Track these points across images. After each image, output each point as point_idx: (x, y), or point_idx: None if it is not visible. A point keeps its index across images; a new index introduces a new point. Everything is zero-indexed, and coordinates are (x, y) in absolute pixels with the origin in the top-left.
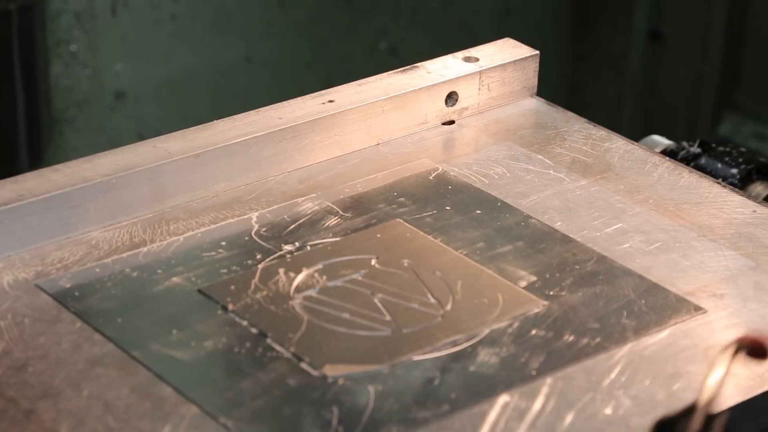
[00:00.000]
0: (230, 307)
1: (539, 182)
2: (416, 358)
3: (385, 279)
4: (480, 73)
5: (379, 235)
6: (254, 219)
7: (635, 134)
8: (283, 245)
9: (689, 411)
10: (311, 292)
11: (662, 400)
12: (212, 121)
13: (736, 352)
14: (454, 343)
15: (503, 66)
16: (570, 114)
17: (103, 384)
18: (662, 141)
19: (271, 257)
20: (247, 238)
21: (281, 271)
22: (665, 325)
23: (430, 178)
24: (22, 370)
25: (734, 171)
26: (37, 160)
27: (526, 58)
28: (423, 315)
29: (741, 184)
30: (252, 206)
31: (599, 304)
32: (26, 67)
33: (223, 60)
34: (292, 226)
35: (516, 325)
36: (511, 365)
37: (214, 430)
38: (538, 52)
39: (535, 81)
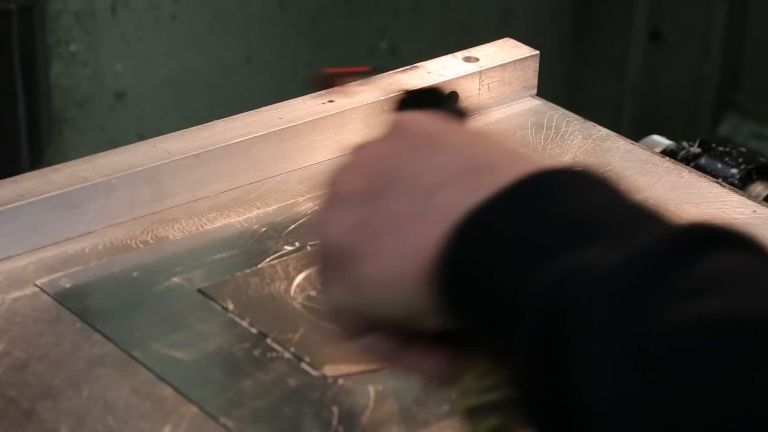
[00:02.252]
0: (230, 307)
1: None
2: None
3: None
4: (480, 73)
5: None
6: (254, 219)
7: (635, 134)
8: (283, 245)
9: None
10: (311, 292)
11: None
12: (212, 121)
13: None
14: None
15: (503, 66)
16: (570, 114)
17: (103, 384)
18: (662, 141)
19: (271, 257)
20: (247, 238)
21: (281, 270)
22: None
23: None
24: (22, 370)
25: (734, 171)
26: (37, 160)
27: (526, 58)
28: None
29: (741, 184)
30: (252, 206)
31: None
32: (26, 67)
33: (223, 60)
34: (292, 226)
35: None
36: None
37: (214, 430)
38: (538, 52)
39: (535, 81)
